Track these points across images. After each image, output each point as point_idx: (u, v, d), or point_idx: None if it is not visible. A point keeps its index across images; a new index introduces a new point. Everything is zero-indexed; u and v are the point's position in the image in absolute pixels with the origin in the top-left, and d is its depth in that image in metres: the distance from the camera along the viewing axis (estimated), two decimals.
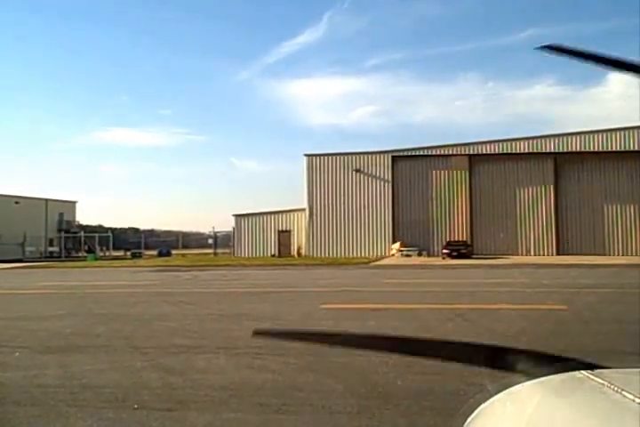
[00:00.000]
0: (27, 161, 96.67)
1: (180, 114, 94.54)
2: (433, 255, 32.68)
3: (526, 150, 33.83)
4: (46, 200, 50.42)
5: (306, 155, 36.66)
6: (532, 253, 33.31)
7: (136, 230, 63.96)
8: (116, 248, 46.69)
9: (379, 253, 34.05)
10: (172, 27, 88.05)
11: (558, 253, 32.69)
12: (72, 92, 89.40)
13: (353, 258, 31.98)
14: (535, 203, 33.97)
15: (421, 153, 35.30)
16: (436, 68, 79.35)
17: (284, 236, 37.72)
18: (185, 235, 51.23)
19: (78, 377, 5.34)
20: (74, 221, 54.40)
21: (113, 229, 54.09)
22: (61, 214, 51.95)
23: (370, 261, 28.41)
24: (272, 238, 37.99)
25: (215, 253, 42.03)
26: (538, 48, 0.91)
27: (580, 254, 31.13)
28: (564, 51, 0.89)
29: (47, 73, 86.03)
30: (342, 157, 36.11)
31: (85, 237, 47.73)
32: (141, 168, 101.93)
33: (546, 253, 33.26)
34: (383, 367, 5.49)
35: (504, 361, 1.12)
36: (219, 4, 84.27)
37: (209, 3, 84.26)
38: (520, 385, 1.16)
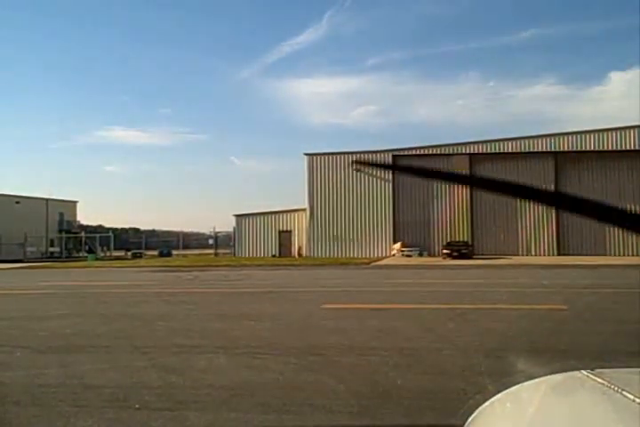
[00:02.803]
0: (27, 161, 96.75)
1: (181, 113, 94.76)
2: (433, 255, 32.66)
3: (527, 150, 33.82)
4: (47, 200, 50.36)
5: (306, 154, 36.62)
6: (533, 253, 33.30)
7: (137, 231, 63.93)
8: (116, 248, 46.60)
9: (379, 254, 34.03)
10: (173, 26, 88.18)
11: (559, 254, 32.67)
12: (72, 91, 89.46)
13: (354, 258, 31.97)
14: (535, 203, 33.91)
15: (422, 152, 35.29)
16: (437, 68, 79.48)
17: (284, 236, 37.70)
18: (186, 235, 51.15)
19: (79, 377, 5.34)
20: (74, 221, 54.37)
21: (114, 230, 54.05)
22: (62, 214, 51.93)
23: (370, 262, 28.39)
24: (273, 239, 37.97)
25: (216, 254, 42.00)
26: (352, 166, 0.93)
27: (581, 255, 31.09)
28: (373, 165, 0.93)
29: (47, 72, 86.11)
30: (343, 157, 36.05)
31: (86, 237, 47.69)
32: (142, 168, 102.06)
33: (546, 253, 33.24)
34: (383, 367, 5.49)
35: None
36: (219, 3, 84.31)
37: (209, 2, 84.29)
38: (520, 385, 1.16)
